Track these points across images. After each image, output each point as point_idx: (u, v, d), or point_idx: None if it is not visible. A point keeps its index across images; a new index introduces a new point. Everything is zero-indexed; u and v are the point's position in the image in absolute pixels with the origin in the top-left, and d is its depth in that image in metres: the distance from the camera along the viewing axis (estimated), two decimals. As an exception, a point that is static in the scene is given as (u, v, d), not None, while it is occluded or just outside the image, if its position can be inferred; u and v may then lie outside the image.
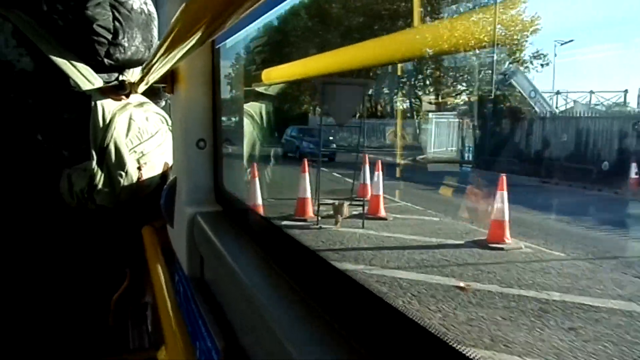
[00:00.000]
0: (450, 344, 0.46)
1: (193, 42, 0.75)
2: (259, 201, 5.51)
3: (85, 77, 1.51)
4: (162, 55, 0.98)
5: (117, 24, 1.52)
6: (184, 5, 0.69)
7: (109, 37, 1.52)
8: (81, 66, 1.51)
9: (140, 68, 1.70)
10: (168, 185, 1.33)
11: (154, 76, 1.30)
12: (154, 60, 1.14)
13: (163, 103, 1.79)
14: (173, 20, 0.77)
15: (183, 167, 1.21)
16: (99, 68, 1.55)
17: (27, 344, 1.54)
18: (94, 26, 1.49)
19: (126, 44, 1.55)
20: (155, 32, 1.66)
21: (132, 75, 1.69)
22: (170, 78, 1.31)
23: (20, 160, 1.51)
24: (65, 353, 1.61)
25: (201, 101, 1.21)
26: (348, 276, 0.69)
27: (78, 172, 1.50)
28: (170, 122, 1.65)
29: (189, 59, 1.05)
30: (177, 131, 1.31)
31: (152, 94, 1.69)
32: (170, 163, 1.59)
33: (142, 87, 1.57)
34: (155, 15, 1.66)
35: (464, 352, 0.45)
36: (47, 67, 1.46)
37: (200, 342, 0.99)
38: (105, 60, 1.55)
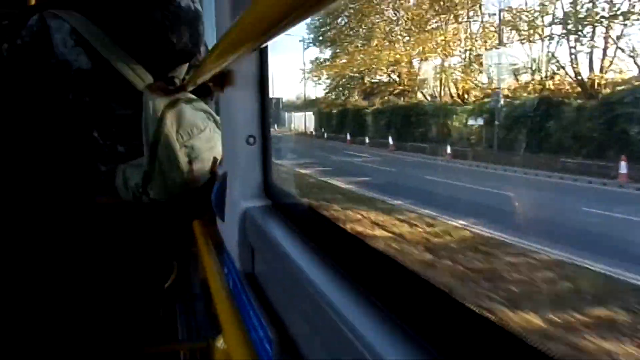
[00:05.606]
0: (528, 341, 0.45)
1: (244, 49, 0.78)
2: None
3: (137, 74, 1.57)
4: (214, 59, 1.02)
5: (166, 21, 1.57)
6: (238, 17, 0.72)
7: (159, 34, 1.57)
8: (133, 63, 1.56)
9: (186, 65, 1.75)
10: (219, 180, 1.37)
11: (203, 77, 1.34)
12: (205, 64, 1.17)
13: (209, 101, 1.84)
14: (226, 30, 0.80)
15: (233, 163, 1.25)
16: (149, 65, 1.60)
17: (79, 333, 1.62)
18: (145, 23, 1.54)
19: (175, 41, 1.60)
20: (201, 29, 1.70)
21: (180, 71, 1.74)
22: (219, 77, 1.35)
23: (79, 157, 1.59)
24: (116, 342, 1.69)
25: (250, 99, 1.24)
26: (405, 267, 0.70)
27: (132, 167, 1.57)
28: (217, 119, 1.69)
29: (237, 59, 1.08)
30: (227, 128, 1.35)
31: (200, 92, 1.74)
32: (219, 158, 1.63)
33: (191, 87, 1.62)
34: (201, 11, 1.70)
35: (542, 350, 0.44)
36: (102, 65, 1.53)
37: (253, 332, 1.02)
38: (156, 57, 1.60)
